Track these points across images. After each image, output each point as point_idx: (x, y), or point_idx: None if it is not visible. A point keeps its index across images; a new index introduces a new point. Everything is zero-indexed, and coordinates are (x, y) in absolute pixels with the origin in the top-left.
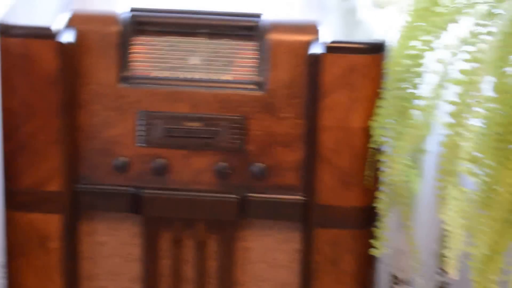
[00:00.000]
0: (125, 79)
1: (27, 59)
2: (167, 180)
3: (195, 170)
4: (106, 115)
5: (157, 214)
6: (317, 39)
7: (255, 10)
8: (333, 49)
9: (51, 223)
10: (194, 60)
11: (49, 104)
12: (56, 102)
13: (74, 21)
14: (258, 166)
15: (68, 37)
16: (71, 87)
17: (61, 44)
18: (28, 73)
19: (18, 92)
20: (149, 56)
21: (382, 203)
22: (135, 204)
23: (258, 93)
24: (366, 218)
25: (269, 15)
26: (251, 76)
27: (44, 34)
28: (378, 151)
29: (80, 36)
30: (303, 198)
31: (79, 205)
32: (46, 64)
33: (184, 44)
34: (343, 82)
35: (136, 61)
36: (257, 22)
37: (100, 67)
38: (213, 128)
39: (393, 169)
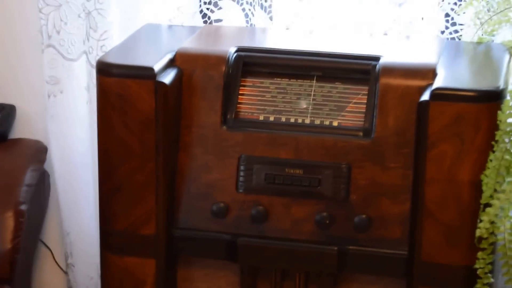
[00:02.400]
0: (228, 122)
1: (124, 99)
2: (265, 228)
3: (295, 219)
4: (206, 158)
5: (253, 263)
6: (431, 84)
7: (379, 51)
8: (439, 96)
9: (146, 268)
10: (303, 104)
11: (146, 146)
12: (153, 144)
13: (178, 61)
14: (361, 217)
15: (169, 77)
16: (171, 129)
17: (160, 84)
18: (125, 113)
19: (115, 132)
20: (255, 99)
21: (484, 264)
22: (231, 252)
23: (365, 140)
24: (474, 279)
25: (391, 57)
26: (359, 123)
27: (142, 74)
28: (488, 207)
29: (183, 76)
30: (407, 254)
31: (175, 250)
32: (143, 104)
33: (293, 87)
34: (450, 132)
35: (241, 103)
36: (373, 65)
37: (204, 108)
38: (316, 176)
39: (504, 227)
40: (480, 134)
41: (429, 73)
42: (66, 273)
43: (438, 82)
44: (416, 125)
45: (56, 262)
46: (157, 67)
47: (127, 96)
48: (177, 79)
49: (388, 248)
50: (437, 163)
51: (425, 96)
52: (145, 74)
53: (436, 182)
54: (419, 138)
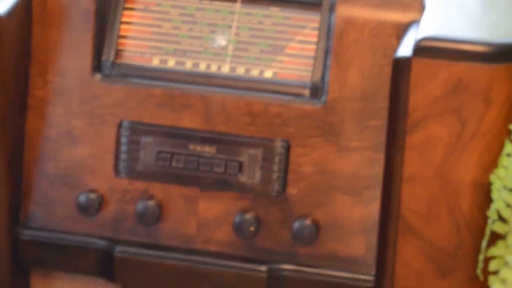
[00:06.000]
0: (104, 69)
1: None
2: (157, 233)
3: (202, 221)
4: (70, 124)
5: (137, 285)
6: (417, 22)
7: None
8: (428, 50)
9: None
10: (220, 41)
11: None
12: None
13: None
14: (304, 222)
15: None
16: (11, 80)
17: None
18: None
19: None
20: (146, 31)
21: None
22: (105, 266)
23: (313, 104)
24: None
25: None
26: (305, 74)
27: None
28: (500, 221)
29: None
30: (373, 280)
31: (23, 260)
32: None
33: (206, 13)
34: (445, 108)
35: (125, 38)
36: None
37: (66, 47)
38: (236, 158)
39: None
40: (491, 111)
41: (415, 3)
42: None
43: (427, 27)
44: (391, 92)
45: None
46: None
47: None
48: (23, 3)
49: (344, 270)
50: (422, 152)
51: (405, 49)
52: None
53: (420, 180)
54: (396, 113)
